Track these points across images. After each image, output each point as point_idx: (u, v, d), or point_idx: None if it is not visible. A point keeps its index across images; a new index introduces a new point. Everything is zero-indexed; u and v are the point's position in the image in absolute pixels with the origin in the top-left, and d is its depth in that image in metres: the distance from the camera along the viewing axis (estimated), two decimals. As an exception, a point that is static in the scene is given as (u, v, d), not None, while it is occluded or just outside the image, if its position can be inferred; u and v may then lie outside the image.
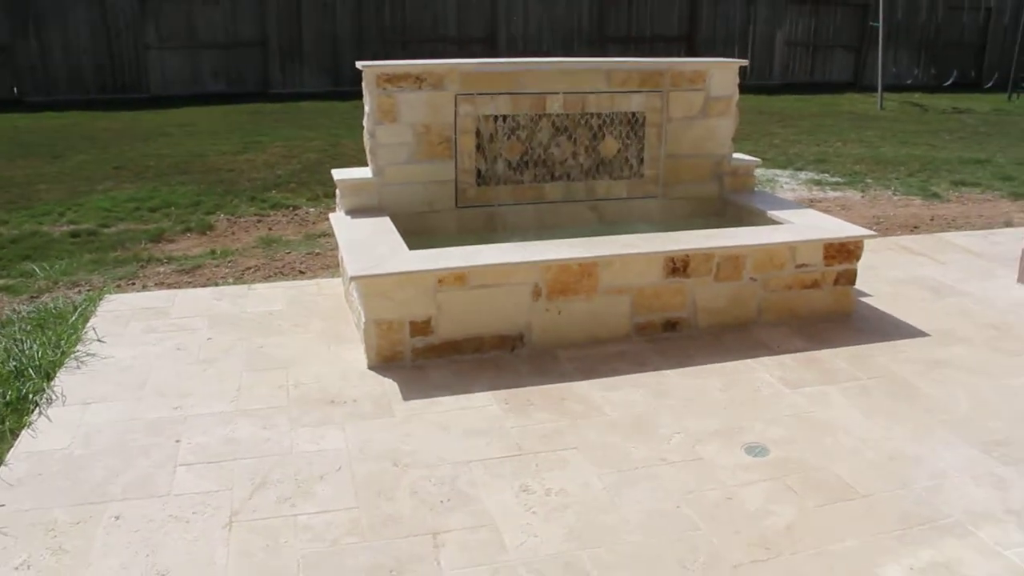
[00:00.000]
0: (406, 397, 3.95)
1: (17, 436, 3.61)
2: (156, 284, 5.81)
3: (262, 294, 5.42)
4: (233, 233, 7.28)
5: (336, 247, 6.59)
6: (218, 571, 2.75)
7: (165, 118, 14.07)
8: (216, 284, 5.77)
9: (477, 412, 3.82)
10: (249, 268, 6.20)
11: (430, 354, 4.31)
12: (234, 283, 5.80)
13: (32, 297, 5.63)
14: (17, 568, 2.77)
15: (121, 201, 8.31)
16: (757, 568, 2.79)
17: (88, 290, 5.64)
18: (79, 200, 8.37)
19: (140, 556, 2.83)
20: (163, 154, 10.82)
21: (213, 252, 6.60)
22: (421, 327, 4.26)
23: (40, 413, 3.80)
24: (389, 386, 4.05)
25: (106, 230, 7.35)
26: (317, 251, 6.57)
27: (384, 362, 4.25)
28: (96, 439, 3.58)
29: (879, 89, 17.77)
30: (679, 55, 18.99)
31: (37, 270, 6.13)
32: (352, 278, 4.12)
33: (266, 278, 5.93)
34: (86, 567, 2.77)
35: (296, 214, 7.90)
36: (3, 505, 3.10)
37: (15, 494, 3.18)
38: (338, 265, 6.01)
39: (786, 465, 3.43)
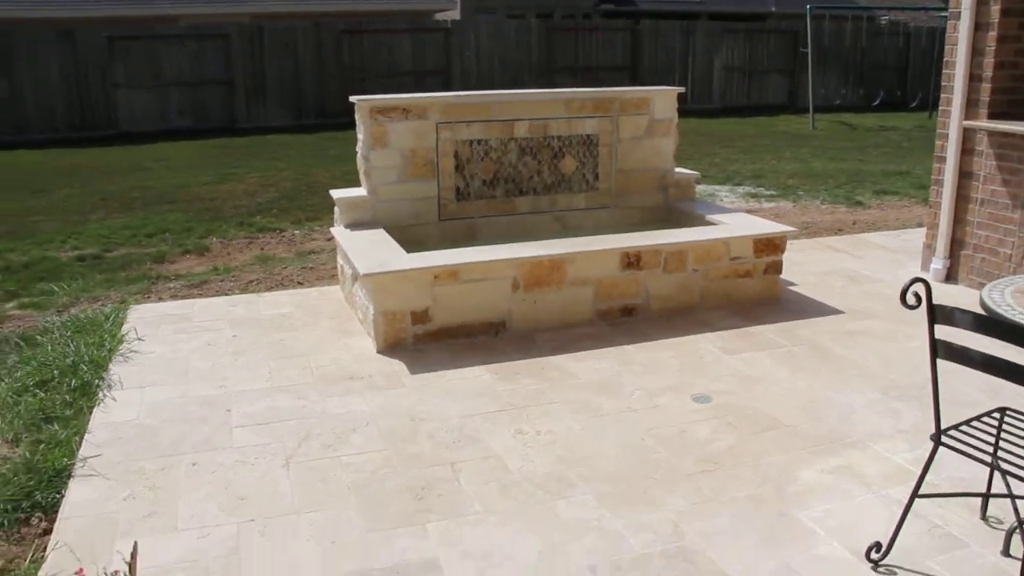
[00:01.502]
0: (412, 372, 4.73)
1: (91, 412, 4.32)
2: (171, 296, 6.52)
3: (271, 300, 6.16)
4: (228, 253, 7.99)
5: (326, 262, 7.37)
6: (285, 495, 3.51)
7: (138, 153, 14.72)
8: (225, 295, 6.49)
9: (474, 381, 4.62)
10: (251, 281, 6.92)
11: (428, 339, 5.10)
12: (241, 294, 6.52)
13: (58, 311, 6.30)
14: (125, 499, 3.50)
15: (117, 229, 8.99)
16: (706, 476, 3.62)
17: (113, 303, 6.33)
18: (76, 229, 9.03)
19: (220, 488, 3.57)
20: (146, 186, 11.49)
21: (216, 269, 7.32)
22: (420, 316, 5.06)
23: (104, 395, 4.51)
24: (397, 365, 4.84)
25: (109, 254, 8.02)
26: (310, 266, 7.31)
27: (390, 347, 5.04)
28: (159, 412, 4.30)
29: (811, 110, 19.00)
30: (624, 83, 20.08)
31: (56, 289, 6.80)
32: (364, 275, 4.90)
33: (269, 289, 6.66)
34: (179, 497, 3.51)
35: (283, 236, 8.64)
36: (100, 455, 3.83)
37: (105, 451, 3.89)
38: (333, 276, 6.78)
39: (727, 408, 4.27)
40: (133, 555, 2.40)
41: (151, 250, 8.10)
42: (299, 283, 6.81)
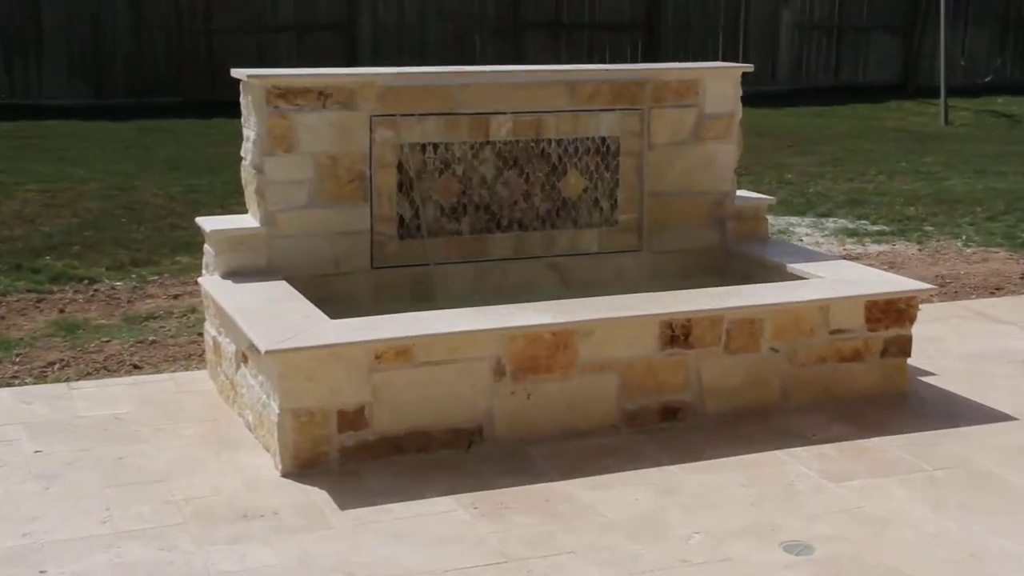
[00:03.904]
0: (343, 506, 5.08)
1: None
2: (-94, 388, 6.72)
3: (92, 395, 6.46)
4: (3, 317, 8.21)
5: (177, 332, 7.70)
6: None
7: None
8: (10, 385, 6.73)
9: (440, 519, 4.98)
10: (52, 363, 7.17)
11: (363, 454, 5.45)
12: (35, 383, 6.76)
13: None
14: None
15: None
16: (810, 660, 4.02)
17: None
18: None
19: None
20: None
21: (-16, 344, 7.56)
22: (352, 419, 5.42)
23: None
24: (316, 494, 5.18)
25: None
26: (152, 339, 7.63)
27: (302, 467, 5.37)
28: (-73, 574, 4.57)
29: (942, 93, 19.53)
30: (636, 50, 20.66)
31: None
32: (265, 353, 5.24)
33: (84, 375, 6.93)
34: None
35: (96, 290, 8.90)
36: None
37: None
38: (194, 355, 7.11)
39: (837, 563, 4.67)
40: None
41: None
42: (135, 366, 7.10)
